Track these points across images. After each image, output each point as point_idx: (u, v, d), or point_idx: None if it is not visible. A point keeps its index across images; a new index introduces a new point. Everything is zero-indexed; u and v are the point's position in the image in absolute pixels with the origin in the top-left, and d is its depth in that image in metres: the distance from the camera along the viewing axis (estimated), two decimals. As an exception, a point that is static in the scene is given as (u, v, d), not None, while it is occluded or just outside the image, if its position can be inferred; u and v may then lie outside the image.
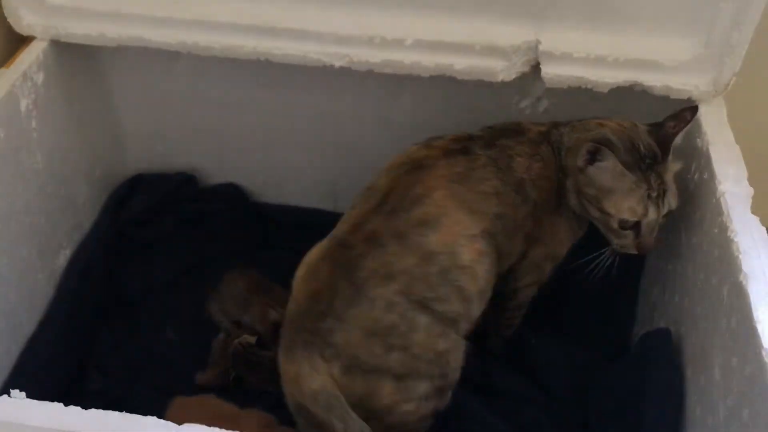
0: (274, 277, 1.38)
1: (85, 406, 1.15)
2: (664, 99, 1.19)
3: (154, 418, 0.75)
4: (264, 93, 1.39)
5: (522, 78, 1.22)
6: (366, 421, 1.01)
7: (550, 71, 1.18)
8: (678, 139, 1.09)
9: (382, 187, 1.08)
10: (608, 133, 1.07)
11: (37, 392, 1.13)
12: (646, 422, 1.06)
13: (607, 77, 1.18)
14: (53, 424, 0.74)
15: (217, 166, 1.52)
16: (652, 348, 1.14)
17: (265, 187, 1.53)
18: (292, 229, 1.48)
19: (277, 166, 1.49)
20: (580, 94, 1.20)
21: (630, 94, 1.19)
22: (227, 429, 1.07)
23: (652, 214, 1.05)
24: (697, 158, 1.14)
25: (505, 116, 1.31)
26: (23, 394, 0.77)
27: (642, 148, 1.05)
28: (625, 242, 1.08)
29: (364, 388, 1.02)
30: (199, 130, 1.47)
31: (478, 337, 1.27)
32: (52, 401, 1.14)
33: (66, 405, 1.11)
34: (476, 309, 1.08)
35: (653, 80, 1.17)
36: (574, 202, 1.11)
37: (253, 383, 1.26)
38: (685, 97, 1.18)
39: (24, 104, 1.19)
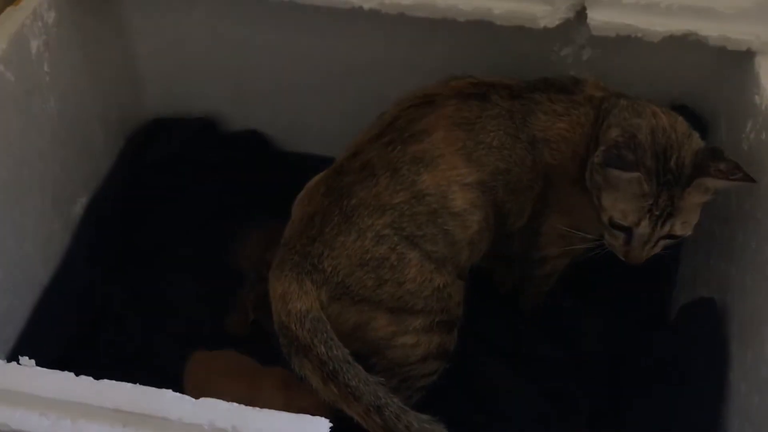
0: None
1: (102, 359, 1.19)
2: (720, 51, 1.11)
3: (170, 391, 0.71)
4: (288, 37, 1.32)
5: (565, 24, 1.14)
6: (368, 357, 1.01)
7: (596, 17, 1.11)
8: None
9: (388, 117, 1.07)
10: (643, 131, 0.98)
11: (53, 344, 1.18)
12: (684, 397, 1.02)
13: (659, 25, 1.10)
14: (63, 395, 0.70)
15: (237, 112, 1.47)
16: (694, 319, 1.09)
17: (286, 135, 1.48)
18: (311, 175, 1.38)
19: (299, 113, 1.43)
20: (627, 43, 1.12)
21: (682, 45, 1.11)
22: (248, 385, 1.08)
23: (644, 228, 0.97)
24: (755, 116, 1.06)
25: (544, 65, 1.25)
26: (33, 361, 0.73)
27: (673, 162, 0.96)
28: (614, 243, 1.02)
29: (356, 317, 1.01)
30: (219, 74, 1.41)
31: (508, 301, 1.26)
32: (68, 354, 1.18)
33: (81, 362, 1.13)
34: (465, 258, 1.06)
35: (709, 29, 1.09)
36: (587, 176, 1.03)
37: (270, 327, 1.20)
38: (744, 48, 1.09)
39: (35, 45, 1.14)
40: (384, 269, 1.00)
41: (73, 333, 1.23)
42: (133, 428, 0.70)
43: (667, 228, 0.97)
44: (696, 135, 1.01)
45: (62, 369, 1.10)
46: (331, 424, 0.71)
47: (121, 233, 1.36)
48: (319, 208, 1.03)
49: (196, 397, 1.05)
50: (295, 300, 0.99)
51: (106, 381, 0.72)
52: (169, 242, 1.38)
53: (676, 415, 1.03)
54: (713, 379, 1.02)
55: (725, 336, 1.04)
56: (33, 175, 1.17)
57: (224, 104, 1.46)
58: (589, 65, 1.24)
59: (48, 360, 1.08)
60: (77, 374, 1.11)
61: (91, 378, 0.72)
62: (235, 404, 0.71)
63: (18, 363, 0.74)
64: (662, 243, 1.00)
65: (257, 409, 0.71)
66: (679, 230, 0.98)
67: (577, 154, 1.05)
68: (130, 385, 0.71)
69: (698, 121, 1.24)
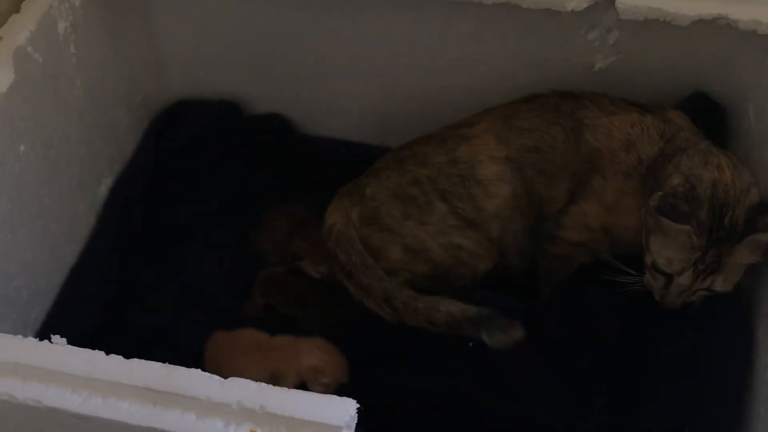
0: (317, 211, 1.33)
1: (127, 340, 1.19)
2: (750, 35, 1.09)
3: (199, 370, 0.72)
4: (312, 19, 1.31)
5: (593, 7, 1.13)
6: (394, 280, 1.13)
7: (625, 1, 1.09)
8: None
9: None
10: (704, 184, 0.99)
11: (79, 324, 1.19)
12: (707, 385, 1.01)
13: (688, 9, 1.09)
14: (94, 373, 0.71)
15: (261, 95, 1.46)
16: (719, 306, 1.07)
17: (310, 118, 1.48)
18: (337, 163, 1.43)
19: (323, 96, 1.42)
20: (655, 27, 1.11)
21: (711, 29, 1.10)
22: (262, 357, 1.11)
23: (685, 279, 0.99)
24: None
25: (570, 49, 1.24)
26: (64, 340, 0.74)
27: (727, 219, 0.97)
28: (653, 284, 1.04)
29: (378, 243, 1.15)
30: (242, 57, 1.40)
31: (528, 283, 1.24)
32: (94, 335, 1.19)
33: (108, 342, 1.12)
34: (496, 231, 1.14)
35: (740, 13, 1.08)
36: (642, 213, 1.04)
37: (283, 309, 1.24)
38: (776, 32, 1.08)
39: (62, 27, 1.14)
40: (412, 206, 1.14)
41: (99, 313, 1.24)
42: (162, 406, 0.70)
43: (708, 282, 0.99)
44: (755, 190, 1.02)
45: (89, 348, 1.17)
46: (358, 405, 0.70)
47: (145, 215, 1.36)
48: (384, 158, 1.23)
49: (217, 366, 1.10)
50: (331, 216, 1.18)
51: (136, 360, 0.72)
52: (192, 224, 1.38)
53: (700, 404, 1.02)
54: (738, 368, 1.01)
55: (751, 324, 1.03)
56: (60, 156, 1.17)
57: (248, 87, 1.45)
58: (616, 49, 1.23)
59: (75, 340, 1.13)
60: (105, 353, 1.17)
61: (121, 357, 0.73)
62: (263, 384, 0.71)
63: (50, 341, 0.74)
64: (700, 293, 1.02)
65: (285, 389, 0.71)
66: (719, 287, 0.99)
67: (633, 149, 1.07)
68: (159, 364, 0.72)
69: (717, 110, 1.24)
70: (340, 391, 1.06)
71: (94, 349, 1.12)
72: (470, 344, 1.12)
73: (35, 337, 1.11)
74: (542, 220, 1.15)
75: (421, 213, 1.14)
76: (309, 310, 1.21)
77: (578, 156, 1.10)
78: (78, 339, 1.10)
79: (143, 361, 0.72)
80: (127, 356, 1.11)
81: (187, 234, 1.37)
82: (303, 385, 1.11)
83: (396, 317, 1.12)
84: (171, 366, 0.72)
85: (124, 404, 0.70)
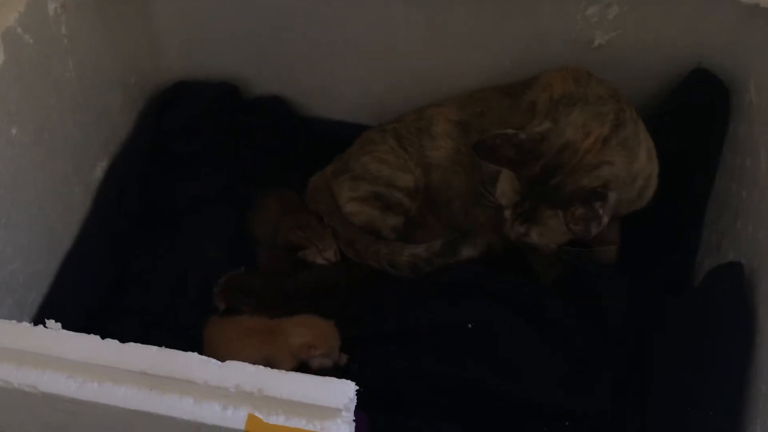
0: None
1: (125, 323, 1.19)
2: (752, 9, 1.07)
3: (196, 354, 0.71)
4: (310, 0, 1.30)
5: (591, -17, 1.11)
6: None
7: (625, -25, 1.07)
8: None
9: None
10: (550, 142, 1.04)
11: (76, 308, 1.18)
12: (711, 364, 1.00)
13: (689, -18, 1.07)
14: (89, 358, 0.70)
15: (260, 77, 1.45)
16: (720, 284, 1.06)
17: (309, 100, 1.47)
18: (335, 144, 1.42)
19: (322, 78, 1.41)
20: (656, 2, 1.11)
21: (712, 3, 1.08)
22: (259, 341, 1.11)
23: (507, 215, 1.07)
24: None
25: (568, 25, 1.22)
26: (59, 324, 0.73)
27: (553, 181, 1.02)
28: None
29: (337, 188, 1.29)
30: (241, 38, 1.38)
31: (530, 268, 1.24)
32: (91, 318, 1.19)
33: (106, 325, 1.16)
34: (435, 177, 1.27)
35: (741, -14, 1.06)
36: None
37: (247, 311, 1.22)
38: (778, 6, 1.06)
39: (52, 7, 1.12)
40: (369, 145, 1.31)
41: (96, 297, 1.23)
42: (159, 391, 0.69)
43: (524, 229, 1.06)
44: (606, 172, 1.04)
45: (86, 333, 1.16)
46: (357, 387, 0.70)
47: (142, 197, 1.35)
48: None
49: (216, 357, 1.09)
50: (314, 178, 1.35)
51: (132, 344, 0.71)
52: (190, 206, 1.37)
53: (702, 383, 1.01)
54: (740, 345, 1.00)
55: (753, 301, 1.02)
56: (54, 139, 1.16)
57: (247, 69, 1.44)
58: (615, 24, 1.21)
59: (72, 324, 1.12)
60: (102, 338, 1.16)
61: (117, 341, 0.72)
62: (261, 367, 0.71)
63: (45, 326, 0.73)
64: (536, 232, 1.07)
65: (283, 372, 0.71)
66: (535, 238, 1.06)
67: (551, 91, 1.14)
68: (156, 348, 0.71)
69: (718, 85, 1.22)
70: (340, 373, 1.10)
71: (91, 332, 1.12)
72: (469, 326, 1.12)
73: (32, 322, 1.12)
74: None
75: (374, 147, 1.30)
76: (274, 307, 1.20)
77: (518, 112, 1.16)
78: (75, 322, 1.09)
79: (139, 345, 0.71)
80: (125, 339, 1.12)
81: (185, 216, 1.36)
82: (304, 366, 1.11)
83: (359, 258, 1.26)
84: (167, 350, 0.71)
85: (121, 389, 0.70)
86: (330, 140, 1.43)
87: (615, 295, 1.16)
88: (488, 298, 1.15)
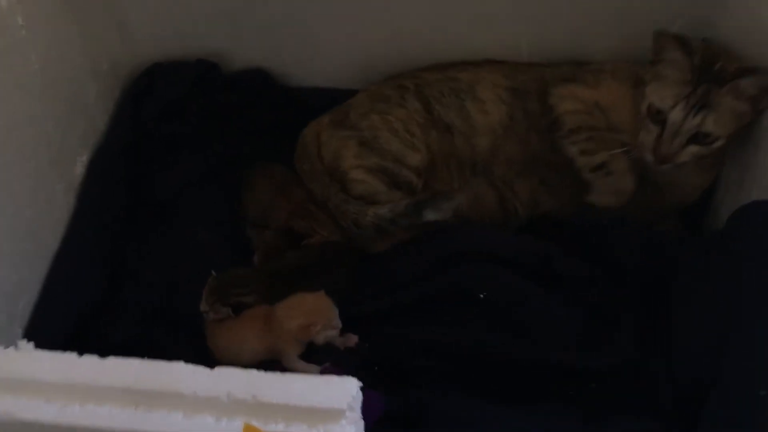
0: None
1: (124, 321, 1.16)
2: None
3: (181, 363, 0.65)
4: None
5: None
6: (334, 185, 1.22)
7: None
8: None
9: None
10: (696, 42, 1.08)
11: (70, 311, 1.15)
12: (741, 305, 0.96)
13: None
14: (68, 378, 0.65)
15: (239, 50, 1.38)
16: (747, 224, 1.02)
17: (293, 68, 1.40)
18: (325, 111, 1.36)
19: (304, 44, 1.34)
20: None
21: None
22: (263, 322, 1.08)
23: (677, 113, 1.05)
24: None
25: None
26: (31, 344, 0.67)
27: (716, 67, 1.05)
28: (646, 141, 1.09)
29: (338, 143, 1.23)
30: (214, 9, 1.31)
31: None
32: (87, 319, 1.14)
33: (103, 326, 1.13)
34: (482, 142, 1.22)
35: None
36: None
37: (250, 301, 1.15)
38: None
39: (5, -2, 1.05)
40: (383, 102, 1.24)
41: (90, 297, 1.19)
42: (145, 407, 0.64)
43: (699, 119, 1.04)
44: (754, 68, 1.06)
45: (85, 335, 1.13)
46: (360, 383, 0.64)
47: (129, 188, 1.30)
48: None
49: (219, 349, 1.08)
50: (306, 132, 1.30)
51: (112, 358, 0.66)
52: (180, 193, 1.32)
53: (733, 324, 0.98)
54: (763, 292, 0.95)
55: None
56: (24, 138, 1.10)
57: (224, 43, 1.37)
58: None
59: (67, 327, 1.12)
60: (101, 339, 1.13)
61: (96, 357, 0.66)
62: (253, 371, 0.65)
63: (17, 348, 0.67)
64: (691, 150, 1.06)
65: (278, 374, 0.65)
66: (711, 126, 1.04)
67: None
68: (138, 360, 0.66)
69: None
70: (351, 356, 1.07)
71: (88, 334, 1.13)
72: (481, 295, 1.08)
73: (24, 331, 1.10)
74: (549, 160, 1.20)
75: (389, 107, 1.23)
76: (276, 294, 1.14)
77: (582, 72, 1.19)
78: (70, 326, 1.12)
79: (119, 359, 0.66)
80: (124, 338, 1.13)
81: (175, 203, 1.32)
82: (312, 345, 1.08)
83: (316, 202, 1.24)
84: (150, 362, 0.66)
85: (104, 409, 0.64)
86: (319, 108, 1.37)
87: (630, 243, 1.12)
88: (495, 262, 1.12)
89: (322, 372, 1.04)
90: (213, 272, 1.13)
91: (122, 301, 1.19)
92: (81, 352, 1.08)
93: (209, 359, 1.09)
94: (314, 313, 1.06)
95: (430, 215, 1.14)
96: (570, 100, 1.20)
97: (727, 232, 1.06)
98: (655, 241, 1.14)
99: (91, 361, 0.66)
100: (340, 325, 1.07)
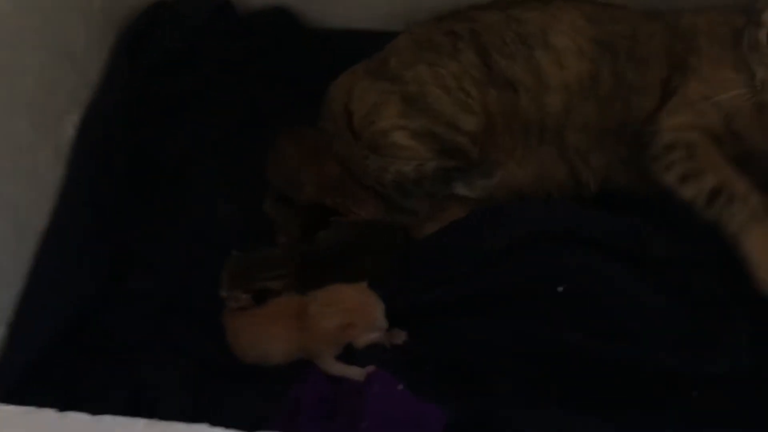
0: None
1: (130, 315, 1.06)
2: None
3: (142, 421, 0.47)
4: None
5: None
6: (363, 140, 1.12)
7: None
8: None
9: None
10: None
11: (64, 303, 1.04)
12: None
13: None
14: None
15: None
16: None
17: (321, 7, 1.31)
18: (359, 58, 1.24)
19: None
20: None
21: None
22: (290, 325, 0.98)
23: None
24: None
25: None
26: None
27: None
28: None
29: (376, 97, 1.12)
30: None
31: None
32: (87, 313, 1.04)
33: (108, 320, 1.03)
34: (553, 102, 1.10)
35: None
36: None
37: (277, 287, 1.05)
38: None
39: None
40: (431, 52, 1.12)
41: (89, 287, 1.08)
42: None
43: None
44: None
45: (83, 333, 1.02)
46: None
47: (131, 153, 1.19)
48: None
49: (242, 348, 0.99)
50: (336, 84, 1.18)
51: (71, 414, 0.47)
52: (189, 159, 1.21)
53: None
54: None
55: None
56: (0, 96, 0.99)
57: None
58: None
59: (61, 325, 1.02)
60: (105, 337, 1.03)
61: (52, 411, 0.47)
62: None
63: None
64: None
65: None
66: None
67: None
68: (95, 418, 0.47)
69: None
70: (400, 359, 0.96)
71: (88, 330, 1.02)
72: (559, 288, 0.98)
73: (10, 328, 1.00)
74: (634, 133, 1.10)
75: (439, 57, 1.12)
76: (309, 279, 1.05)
77: (676, 38, 1.10)
78: (64, 322, 1.03)
79: (77, 415, 0.47)
80: (132, 334, 1.03)
81: (185, 172, 1.20)
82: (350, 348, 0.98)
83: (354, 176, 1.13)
84: (109, 419, 0.47)
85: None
86: (352, 55, 1.25)
87: None
88: (575, 245, 1.00)
89: (368, 377, 0.95)
90: (234, 251, 1.06)
91: (127, 291, 1.09)
92: (78, 354, 1.00)
93: (232, 358, 1.00)
94: (355, 312, 0.97)
95: (461, 189, 1.05)
96: (678, 113, 1.07)
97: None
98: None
99: (47, 415, 0.48)
100: (385, 325, 0.97)
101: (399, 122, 1.11)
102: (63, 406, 0.53)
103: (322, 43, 1.32)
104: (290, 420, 0.91)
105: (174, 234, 1.14)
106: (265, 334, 0.99)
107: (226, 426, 0.50)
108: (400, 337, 0.98)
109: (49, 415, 0.50)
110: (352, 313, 0.96)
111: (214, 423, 0.51)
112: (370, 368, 0.94)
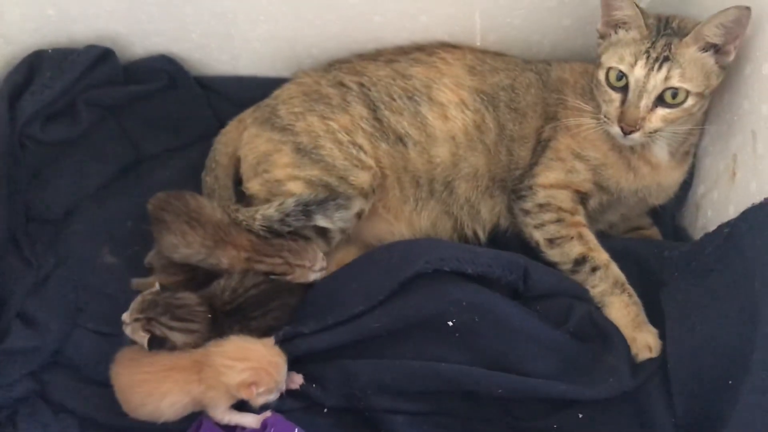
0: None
1: (7, 375, 1.00)
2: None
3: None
4: None
5: None
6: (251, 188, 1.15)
7: None
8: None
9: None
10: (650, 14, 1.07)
11: None
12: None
13: None
14: None
15: (137, 32, 1.26)
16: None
17: (206, 54, 1.29)
18: (245, 104, 1.26)
19: (220, 24, 1.23)
20: None
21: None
22: (180, 378, 0.95)
23: (639, 70, 1.03)
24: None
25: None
26: None
27: (674, 23, 1.05)
28: (610, 110, 1.06)
29: (266, 146, 1.14)
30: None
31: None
32: None
33: None
34: (441, 152, 1.14)
35: None
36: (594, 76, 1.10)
37: (178, 340, 1.00)
38: None
39: None
40: (320, 104, 1.15)
41: None
42: None
43: (663, 73, 1.01)
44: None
45: None
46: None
47: (12, 204, 1.16)
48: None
49: (132, 404, 0.95)
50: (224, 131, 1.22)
51: None
52: (75, 208, 1.19)
53: (742, 345, 0.90)
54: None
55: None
56: None
57: (121, 22, 1.25)
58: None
59: None
60: None
61: None
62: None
63: None
64: (660, 114, 1.02)
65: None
66: (677, 80, 1.01)
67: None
68: None
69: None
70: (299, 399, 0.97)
71: None
72: (449, 322, 0.99)
73: None
74: (513, 180, 1.15)
75: (331, 111, 1.15)
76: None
77: (548, 89, 1.16)
78: None
79: None
80: (13, 396, 0.97)
81: (71, 221, 1.18)
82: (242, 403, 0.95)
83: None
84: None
85: None
86: (239, 101, 1.28)
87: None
88: (463, 280, 1.01)
89: (264, 423, 0.94)
90: (158, 284, 1.03)
91: (7, 350, 1.03)
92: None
93: (120, 414, 0.97)
94: (264, 371, 0.93)
95: (321, 221, 1.07)
96: (550, 169, 1.12)
97: (737, 233, 0.97)
98: (636, 251, 1.10)
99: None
100: (283, 388, 0.95)
101: (293, 172, 1.11)
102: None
103: (206, 89, 1.31)
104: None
105: (60, 288, 1.11)
106: (157, 392, 0.94)
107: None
108: (297, 381, 0.97)
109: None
110: (259, 372, 0.93)
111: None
112: (266, 414, 0.93)
